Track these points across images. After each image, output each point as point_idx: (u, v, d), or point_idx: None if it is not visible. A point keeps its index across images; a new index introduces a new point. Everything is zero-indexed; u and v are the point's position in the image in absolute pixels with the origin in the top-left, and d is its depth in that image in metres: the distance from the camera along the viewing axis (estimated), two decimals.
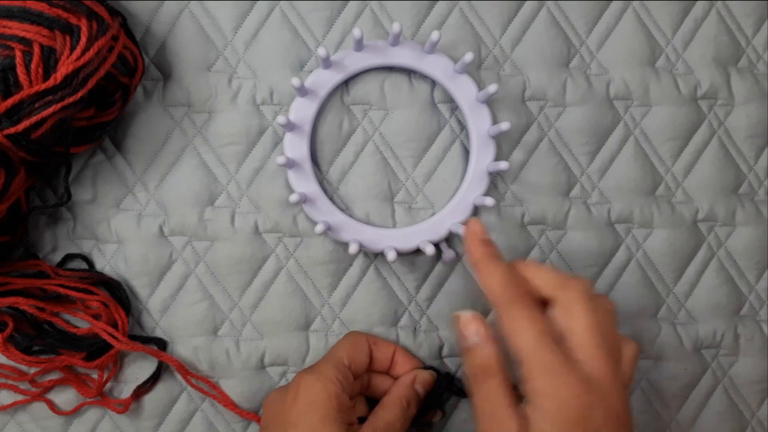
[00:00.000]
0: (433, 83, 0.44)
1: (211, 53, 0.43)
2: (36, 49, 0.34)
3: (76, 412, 0.43)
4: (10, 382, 0.42)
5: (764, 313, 0.47)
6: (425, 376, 0.41)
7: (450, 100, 0.44)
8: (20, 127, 0.34)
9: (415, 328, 0.45)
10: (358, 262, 0.44)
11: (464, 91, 0.43)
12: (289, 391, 0.38)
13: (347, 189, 0.44)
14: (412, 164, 0.44)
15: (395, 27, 0.39)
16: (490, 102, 0.43)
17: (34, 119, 0.34)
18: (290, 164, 0.42)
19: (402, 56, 0.42)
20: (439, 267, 0.45)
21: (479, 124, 0.43)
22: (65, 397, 0.43)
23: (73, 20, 0.34)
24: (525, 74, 0.45)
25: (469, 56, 0.40)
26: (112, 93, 0.39)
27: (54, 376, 0.43)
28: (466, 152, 0.44)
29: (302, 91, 0.41)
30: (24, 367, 0.43)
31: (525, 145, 0.45)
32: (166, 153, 0.43)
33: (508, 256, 0.45)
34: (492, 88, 0.40)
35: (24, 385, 0.43)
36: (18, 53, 0.34)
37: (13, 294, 0.41)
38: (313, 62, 0.43)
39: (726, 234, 0.47)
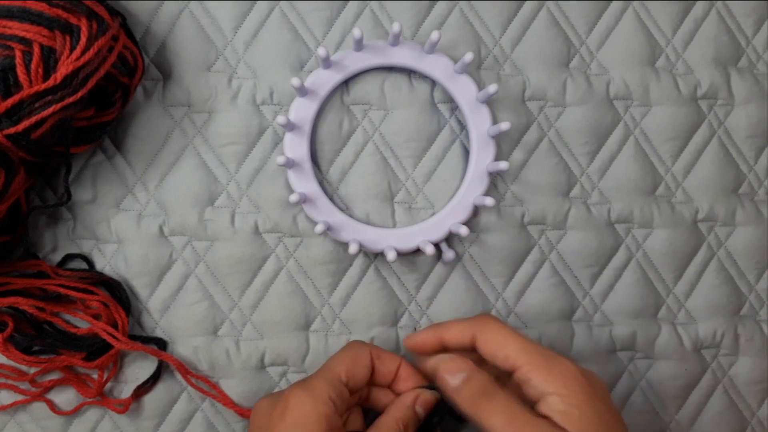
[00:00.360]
0: (433, 83, 0.44)
1: (211, 53, 0.43)
2: (36, 49, 0.34)
3: (76, 412, 0.43)
4: (10, 382, 0.42)
5: (764, 313, 0.47)
6: (427, 396, 0.38)
7: (450, 100, 0.44)
8: (20, 127, 0.34)
9: (415, 328, 0.45)
10: (358, 262, 0.44)
11: (464, 91, 0.43)
12: (277, 405, 0.36)
13: (347, 189, 0.44)
14: (412, 164, 0.44)
15: (395, 27, 0.39)
16: (490, 102, 0.43)
17: (34, 119, 0.34)
18: (290, 164, 0.42)
19: (402, 56, 0.42)
20: (439, 267, 0.45)
21: (479, 124, 0.43)
22: (65, 397, 0.43)
23: (73, 20, 0.34)
24: (525, 74, 0.45)
25: (469, 56, 0.40)
26: (112, 93, 0.39)
27: (54, 376, 0.43)
28: (466, 152, 0.44)
29: (302, 91, 0.41)
30: (24, 367, 0.43)
31: (525, 145, 0.45)
32: (166, 153, 0.43)
33: (508, 256, 0.45)
34: (492, 88, 0.40)
35: (24, 385, 0.43)
36: (18, 53, 0.34)
37: (13, 294, 0.41)
38: (313, 62, 0.43)
39: (726, 234, 0.47)
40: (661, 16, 0.46)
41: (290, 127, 0.42)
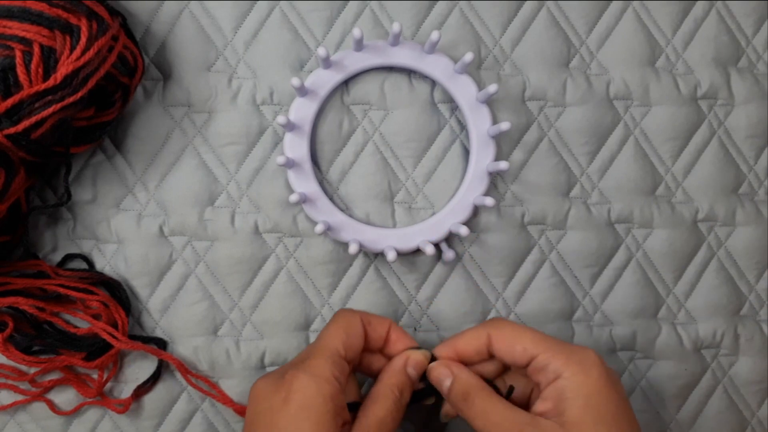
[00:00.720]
0: (433, 83, 0.44)
1: (211, 53, 0.43)
2: (36, 49, 0.34)
3: (76, 412, 0.43)
4: (10, 382, 0.42)
5: (764, 313, 0.47)
6: (418, 357, 0.39)
7: (450, 100, 0.44)
8: (20, 127, 0.34)
9: (415, 328, 0.45)
10: (358, 262, 0.44)
11: (464, 91, 0.43)
12: (279, 390, 0.34)
13: (347, 189, 0.44)
14: (412, 164, 0.44)
15: (395, 27, 0.39)
16: (490, 102, 0.43)
17: (34, 119, 0.34)
18: (290, 164, 0.42)
19: (402, 56, 0.42)
20: (439, 267, 0.45)
21: (479, 124, 0.43)
22: (65, 397, 0.43)
23: (73, 20, 0.34)
24: (525, 74, 0.45)
25: (469, 56, 0.40)
26: (112, 93, 0.39)
27: (54, 376, 0.43)
28: (466, 152, 0.44)
29: (302, 91, 0.41)
30: (24, 367, 0.43)
31: (525, 145, 0.45)
32: (166, 153, 0.43)
33: (508, 256, 0.45)
34: (492, 88, 0.40)
35: (24, 385, 0.43)
36: (18, 53, 0.34)
37: (13, 294, 0.41)
38: (313, 62, 0.43)
39: (726, 234, 0.47)
40: (661, 16, 0.46)
41: (290, 127, 0.42)
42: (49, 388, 0.43)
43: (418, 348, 0.39)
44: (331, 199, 0.43)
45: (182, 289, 0.44)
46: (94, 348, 0.42)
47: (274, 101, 0.43)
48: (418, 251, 0.44)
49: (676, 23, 0.46)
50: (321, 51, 0.39)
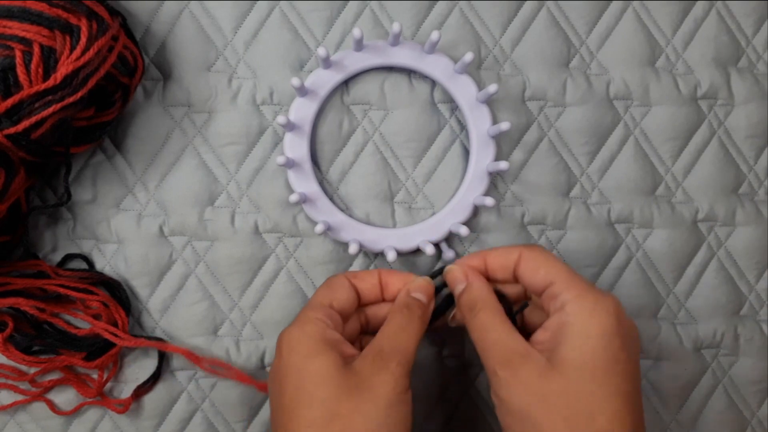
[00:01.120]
0: (433, 83, 0.44)
1: (211, 53, 0.43)
2: (36, 49, 0.34)
3: (76, 412, 0.43)
4: (10, 382, 0.42)
5: (764, 313, 0.47)
6: (419, 282, 0.38)
7: (450, 100, 0.44)
8: (20, 127, 0.34)
9: None
10: (358, 262, 0.44)
11: (464, 91, 0.43)
12: (275, 354, 0.36)
13: (347, 189, 0.44)
14: (412, 164, 0.44)
15: (395, 27, 0.39)
16: (490, 102, 0.43)
17: (34, 119, 0.34)
18: (290, 164, 0.42)
19: (402, 56, 0.42)
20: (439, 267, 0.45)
21: (479, 124, 0.43)
22: (65, 397, 0.43)
23: (73, 20, 0.34)
24: (525, 74, 0.45)
25: (469, 56, 0.40)
26: (112, 93, 0.39)
27: (54, 376, 0.43)
28: (466, 152, 0.44)
29: (302, 91, 0.41)
30: (24, 367, 0.43)
31: (525, 145, 0.45)
32: (166, 153, 0.43)
33: None
34: (492, 88, 0.40)
35: (24, 385, 0.43)
36: (18, 53, 0.34)
37: (14, 294, 0.41)
38: (313, 62, 0.43)
39: (726, 234, 0.47)
40: (661, 16, 0.46)
41: (290, 127, 0.42)
42: (49, 388, 0.43)
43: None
44: (331, 199, 0.43)
45: (182, 289, 0.44)
46: (94, 348, 0.42)
47: (274, 101, 0.43)
48: (418, 251, 0.44)
49: (676, 23, 0.46)
50: (321, 51, 0.39)
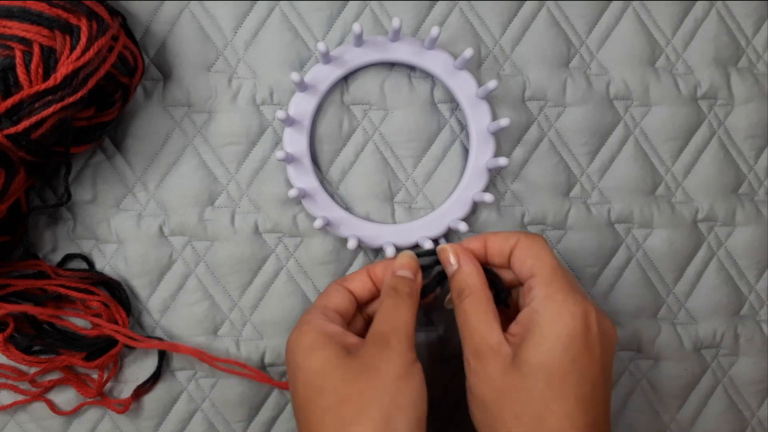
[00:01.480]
0: (433, 83, 0.44)
1: (211, 53, 0.43)
2: (36, 49, 0.34)
3: (76, 412, 0.43)
4: (10, 382, 0.43)
5: (764, 313, 0.47)
6: (401, 260, 0.39)
7: (450, 100, 0.44)
8: (20, 127, 0.34)
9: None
10: (358, 262, 0.44)
11: (464, 87, 0.43)
12: (285, 362, 0.38)
13: (347, 189, 0.44)
14: (412, 164, 0.44)
15: (395, 22, 0.39)
16: (490, 99, 0.43)
17: (34, 119, 0.34)
18: (289, 159, 0.41)
19: (402, 52, 0.42)
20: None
21: (479, 120, 0.43)
22: (65, 397, 0.43)
23: (73, 20, 0.34)
24: (525, 74, 0.45)
25: (468, 52, 0.40)
26: (112, 93, 0.39)
27: (54, 376, 0.43)
28: (467, 152, 0.44)
29: (302, 86, 0.41)
30: (24, 367, 0.43)
31: (525, 145, 0.45)
32: (166, 153, 0.43)
33: None
34: (492, 84, 0.40)
35: (24, 385, 0.43)
36: (18, 53, 0.34)
37: (14, 295, 0.41)
38: (313, 62, 0.43)
39: (726, 234, 0.47)
40: (661, 16, 0.46)
41: (290, 122, 0.41)
42: (49, 388, 0.43)
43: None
44: (330, 194, 0.43)
45: (182, 289, 0.44)
46: (94, 348, 0.42)
47: (274, 101, 0.43)
48: (417, 247, 0.44)
49: (676, 23, 0.46)
50: (321, 46, 0.39)
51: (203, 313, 0.44)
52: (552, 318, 0.34)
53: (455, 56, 0.43)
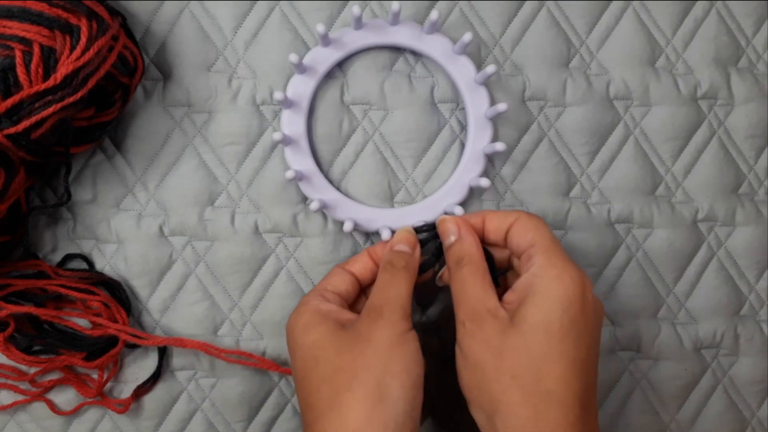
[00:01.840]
0: (433, 83, 0.44)
1: (211, 53, 0.43)
2: (36, 49, 0.34)
3: (76, 412, 0.43)
4: (10, 382, 0.43)
5: (764, 313, 0.47)
6: (399, 235, 0.39)
7: (450, 100, 0.44)
8: (20, 127, 0.34)
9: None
10: None
11: (463, 72, 0.42)
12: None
13: (347, 189, 0.44)
14: (412, 164, 0.44)
15: (394, 6, 0.39)
16: (488, 84, 0.43)
17: (34, 119, 0.34)
18: (287, 141, 0.41)
19: (401, 35, 0.42)
20: None
21: (477, 105, 0.43)
22: (65, 397, 0.43)
23: (73, 20, 0.34)
24: (525, 74, 0.45)
25: (467, 36, 0.40)
26: (112, 93, 0.39)
27: (54, 376, 0.43)
28: None
29: (300, 68, 0.41)
30: (24, 367, 0.43)
31: (525, 145, 0.45)
32: (166, 153, 0.43)
33: None
34: (490, 68, 0.40)
35: (24, 385, 0.43)
36: (18, 53, 0.34)
37: (14, 295, 0.42)
38: None
39: (726, 234, 0.47)
40: (661, 16, 0.46)
41: (287, 104, 0.41)
42: (49, 388, 0.43)
43: None
44: (326, 176, 0.43)
45: (182, 289, 0.44)
46: (94, 348, 0.42)
47: (274, 101, 0.43)
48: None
49: (676, 23, 0.46)
50: (320, 28, 0.39)
51: (203, 313, 0.44)
52: (552, 281, 0.34)
53: (454, 41, 0.43)
